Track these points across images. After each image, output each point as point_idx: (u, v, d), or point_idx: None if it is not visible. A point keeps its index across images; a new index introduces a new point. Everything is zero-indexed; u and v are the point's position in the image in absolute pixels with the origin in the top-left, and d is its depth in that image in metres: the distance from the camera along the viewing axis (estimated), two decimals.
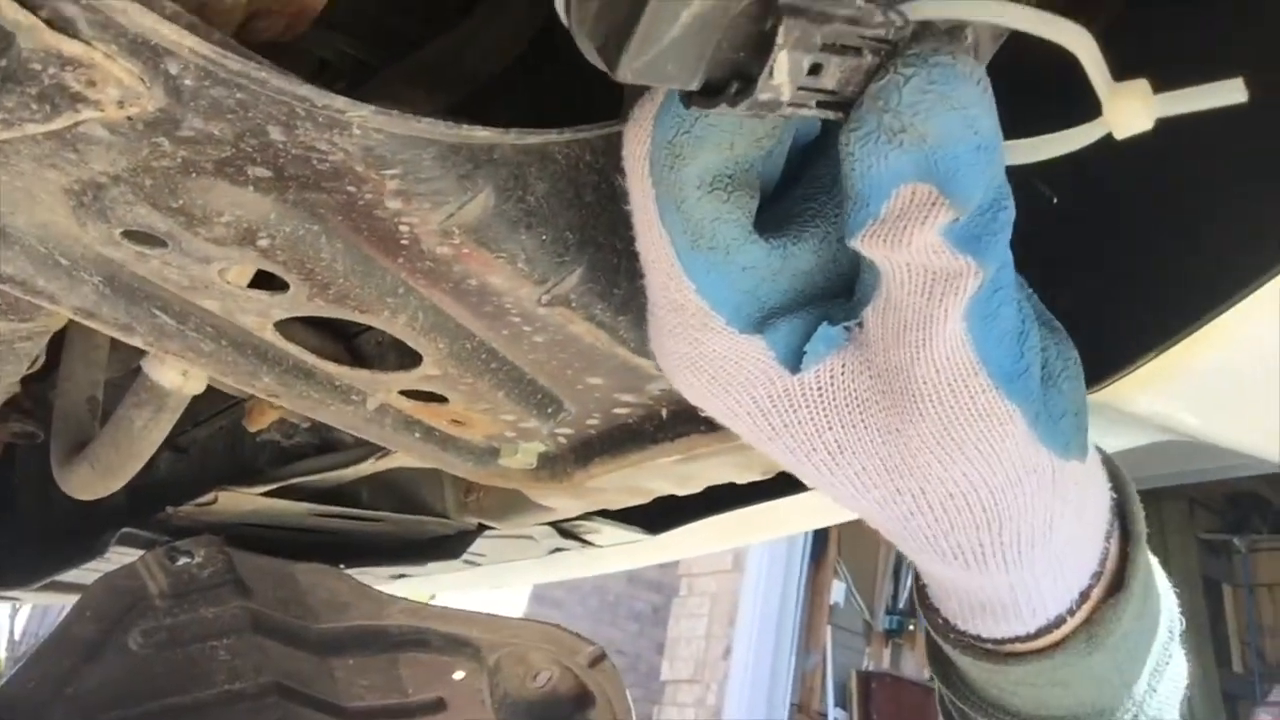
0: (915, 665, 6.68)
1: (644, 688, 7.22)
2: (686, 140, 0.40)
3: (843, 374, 0.44)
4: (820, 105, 0.37)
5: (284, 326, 0.61)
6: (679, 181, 0.41)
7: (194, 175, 0.45)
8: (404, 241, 0.51)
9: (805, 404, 0.44)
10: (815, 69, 0.36)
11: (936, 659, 0.60)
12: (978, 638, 0.53)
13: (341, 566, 1.28)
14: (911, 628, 6.68)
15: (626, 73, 0.34)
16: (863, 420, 0.44)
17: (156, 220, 0.47)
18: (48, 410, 1.05)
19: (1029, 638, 0.51)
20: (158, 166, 0.45)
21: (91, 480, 0.88)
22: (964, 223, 0.38)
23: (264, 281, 0.56)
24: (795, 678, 6.39)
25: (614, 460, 0.77)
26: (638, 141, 0.41)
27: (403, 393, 0.69)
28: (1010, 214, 0.40)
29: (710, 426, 0.69)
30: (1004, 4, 0.37)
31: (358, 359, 0.71)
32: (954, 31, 0.40)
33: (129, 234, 0.49)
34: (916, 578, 0.57)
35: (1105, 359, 0.62)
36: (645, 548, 1.30)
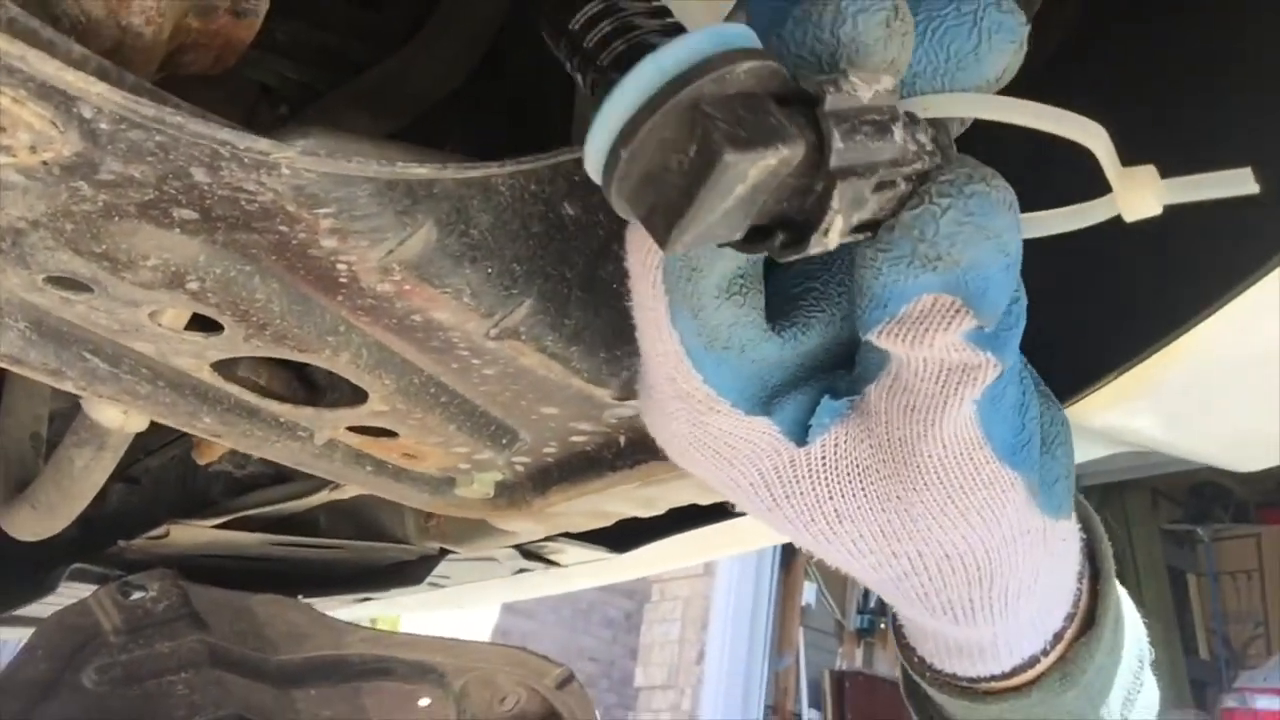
0: (888, 664, 6.71)
1: (618, 694, 7.20)
2: (704, 253, 0.40)
3: (845, 443, 0.44)
4: (854, 230, 0.37)
5: (228, 360, 0.59)
6: (696, 293, 0.41)
7: (117, 219, 0.43)
8: (342, 280, 0.49)
9: (809, 475, 0.45)
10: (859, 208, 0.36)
11: (913, 694, 0.61)
12: (954, 676, 0.54)
13: (300, 596, 1.25)
14: (883, 626, 6.70)
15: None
16: (863, 489, 0.44)
17: (79, 265, 0.45)
18: None
19: (1004, 676, 0.52)
20: (78, 211, 0.43)
21: (33, 521, 0.86)
22: (995, 327, 0.39)
23: (201, 322, 0.54)
24: (769, 679, 6.40)
25: (573, 487, 0.75)
26: (648, 250, 0.41)
27: (351, 428, 0.67)
28: (1024, 304, 0.41)
29: None
30: (1015, 101, 0.38)
31: (310, 388, 0.69)
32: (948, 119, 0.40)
33: (52, 279, 0.47)
34: (894, 617, 0.57)
35: (1071, 375, 0.62)
36: (611, 566, 1.29)
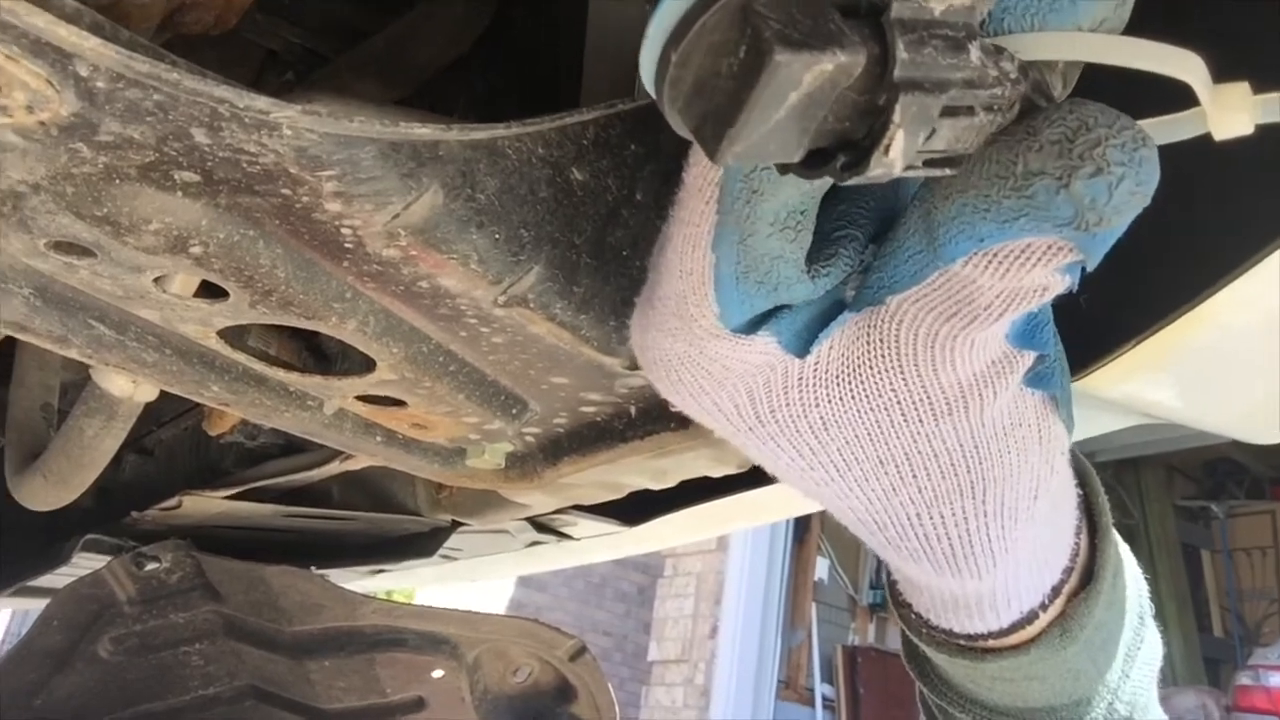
0: (900, 639, 6.72)
1: (632, 668, 7.24)
2: (767, 176, 0.38)
3: (839, 345, 0.42)
4: (928, 164, 0.35)
5: (237, 328, 0.59)
6: (753, 217, 0.39)
7: (118, 182, 0.43)
8: (348, 245, 0.48)
9: (798, 384, 0.43)
10: (930, 134, 0.33)
11: (913, 657, 0.60)
12: (950, 633, 0.53)
13: (313, 567, 1.25)
14: None
15: (727, 158, 0.32)
16: (853, 389, 0.43)
17: (81, 230, 0.45)
18: (4, 415, 1.03)
19: (1002, 633, 0.51)
20: (78, 173, 0.42)
21: (45, 491, 0.86)
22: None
23: (208, 288, 0.53)
24: (782, 655, 6.42)
25: (584, 458, 0.74)
26: (711, 165, 0.39)
27: (359, 397, 0.66)
28: None
29: (680, 424, 0.67)
30: (1105, 39, 0.36)
31: (319, 357, 0.69)
32: (1049, 65, 0.38)
33: (54, 244, 0.46)
34: (888, 574, 0.56)
35: (1088, 346, 0.61)
36: (624, 539, 1.28)
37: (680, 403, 0.46)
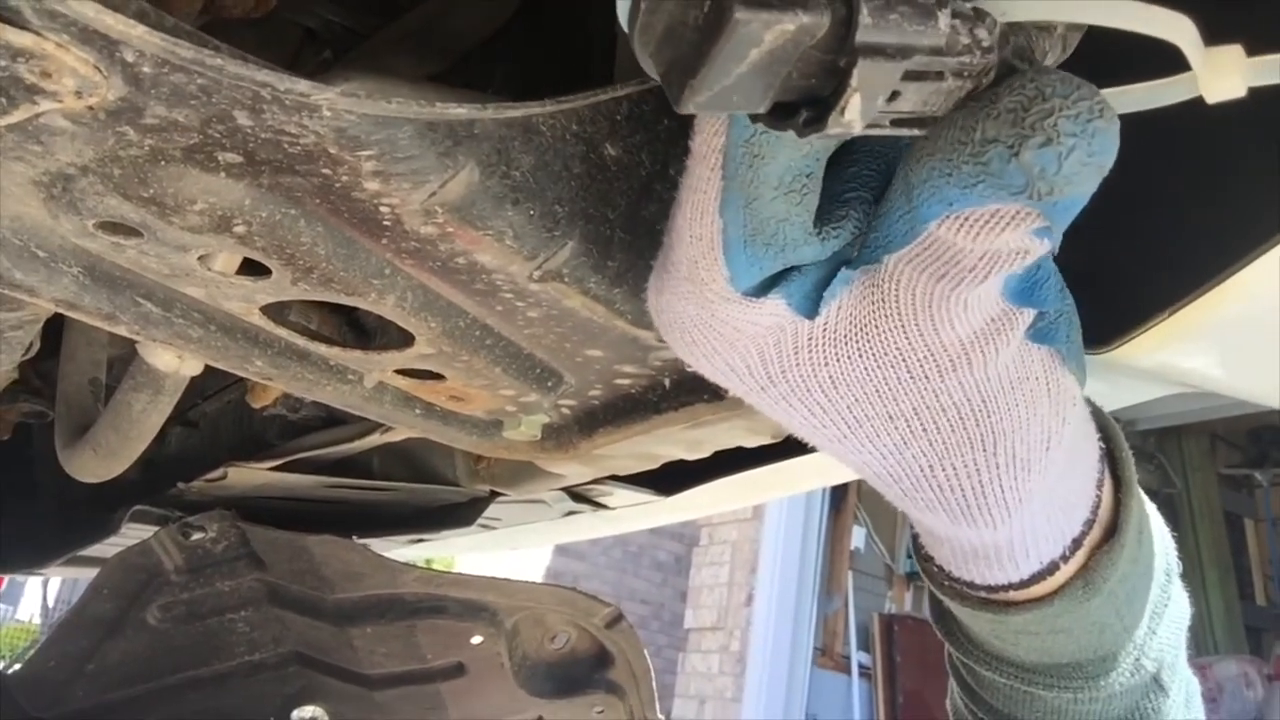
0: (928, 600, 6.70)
1: (668, 635, 7.29)
2: (767, 140, 0.39)
3: (847, 305, 0.43)
4: (895, 124, 0.35)
5: (279, 304, 0.60)
6: (756, 181, 0.40)
7: (163, 163, 0.44)
8: (386, 222, 0.49)
9: (808, 344, 0.44)
10: (893, 96, 0.34)
11: (940, 617, 0.60)
12: (971, 584, 0.53)
13: (355, 537, 1.28)
14: None
15: (689, 106, 0.32)
16: (861, 347, 0.44)
17: (128, 210, 0.46)
18: (56, 389, 1.05)
19: (1023, 584, 0.51)
20: (125, 156, 0.43)
21: (94, 464, 0.88)
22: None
23: (251, 265, 0.54)
24: (818, 622, 6.44)
25: (619, 430, 0.75)
26: (714, 131, 0.40)
27: (398, 371, 0.67)
28: None
29: (715, 395, 0.68)
30: (1094, 2, 0.36)
31: (359, 332, 0.70)
32: (1044, 29, 0.38)
33: (102, 224, 0.48)
34: (912, 529, 0.56)
35: (1122, 316, 0.61)
36: (659, 508, 1.29)
37: (695, 364, 0.47)
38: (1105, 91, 0.38)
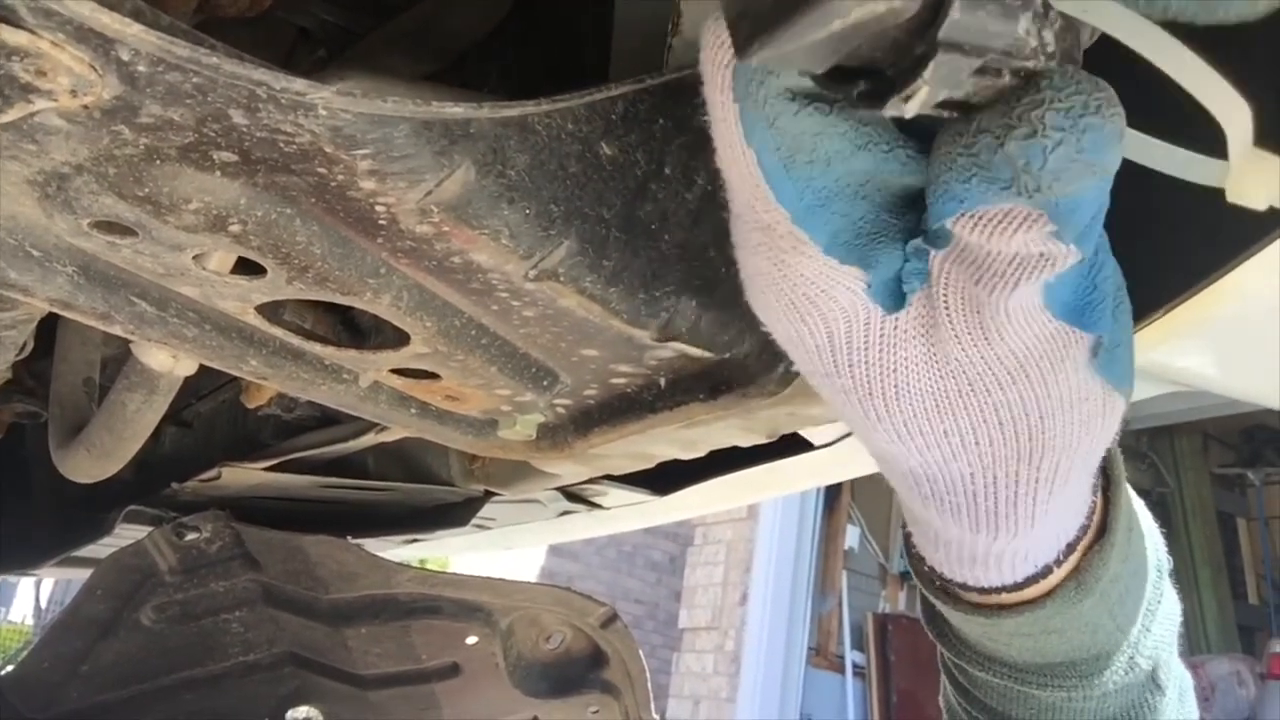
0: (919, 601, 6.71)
1: (663, 635, 7.29)
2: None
3: (916, 310, 0.42)
4: (939, 105, 0.35)
5: (274, 304, 0.60)
6: (770, 97, 0.37)
7: (158, 162, 0.44)
8: (382, 222, 0.49)
9: (879, 342, 0.42)
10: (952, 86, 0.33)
11: (932, 619, 0.60)
12: (964, 586, 0.52)
13: (349, 537, 1.27)
14: None
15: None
16: (927, 355, 0.42)
17: (123, 209, 0.46)
18: (49, 389, 1.05)
19: (1015, 587, 0.51)
20: (120, 155, 0.43)
21: (88, 464, 0.88)
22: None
23: (246, 265, 0.54)
24: (812, 622, 6.44)
25: (614, 429, 0.75)
26: (717, 46, 0.37)
27: (394, 371, 0.67)
28: (1107, 200, 0.38)
29: (709, 395, 0.68)
30: (1165, 39, 0.34)
31: (354, 332, 0.70)
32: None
33: (97, 224, 0.47)
34: (904, 528, 0.56)
35: None
36: (654, 508, 1.30)
37: (770, 326, 0.45)
38: (1138, 137, 0.37)
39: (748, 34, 0.32)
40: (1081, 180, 0.34)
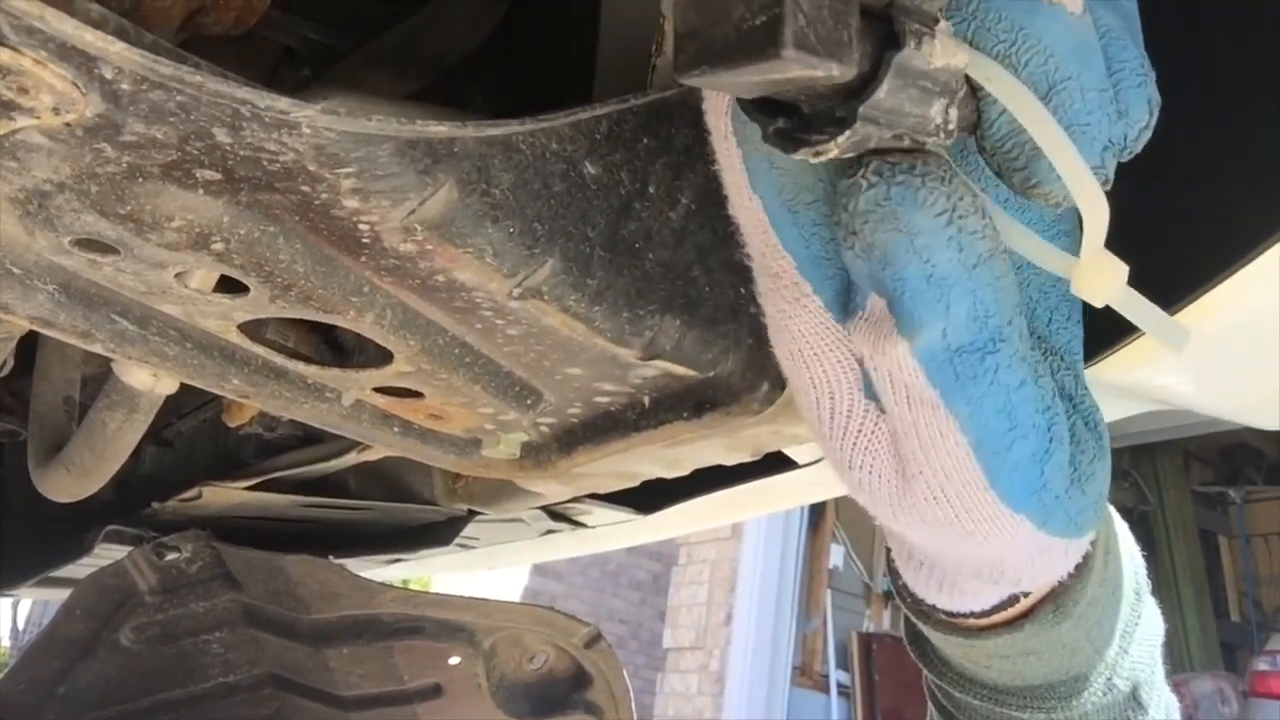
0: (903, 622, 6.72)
1: (647, 655, 7.27)
2: None
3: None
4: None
5: (256, 322, 0.60)
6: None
7: (141, 180, 0.43)
8: (365, 240, 0.49)
9: (858, 434, 0.42)
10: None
11: (915, 640, 0.61)
12: (933, 608, 0.53)
13: (331, 557, 1.27)
14: None
15: (686, 78, 0.33)
16: (894, 473, 0.42)
17: (105, 227, 0.45)
18: (28, 407, 1.04)
19: (991, 611, 0.51)
20: (102, 173, 0.43)
21: (68, 483, 0.87)
22: (939, 355, 0.37)
23: (228, 283, 0.54)
24: (796, 641, 6.44)
25: (598, 448, 0.75)
26: (718, 98, 0.39)
27: (377, 389, 0.67)
28: (1004, 358, 0.38)
29: (693, 413, 0.68)
30: (1058, 137, 0.36)
31: (337, 351, 0.70)
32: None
33: (79, 241, 0.47)
34: (888, 552, 0.56)
35: (1099, 332, 0.62)
36: (638, 527, 1.29)
37: (783, 369, 0.45)
38: (1012, 229, 0.39)
39: (691, 56, 0.33)
40: (887, 233, 0.35)
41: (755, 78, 0.32)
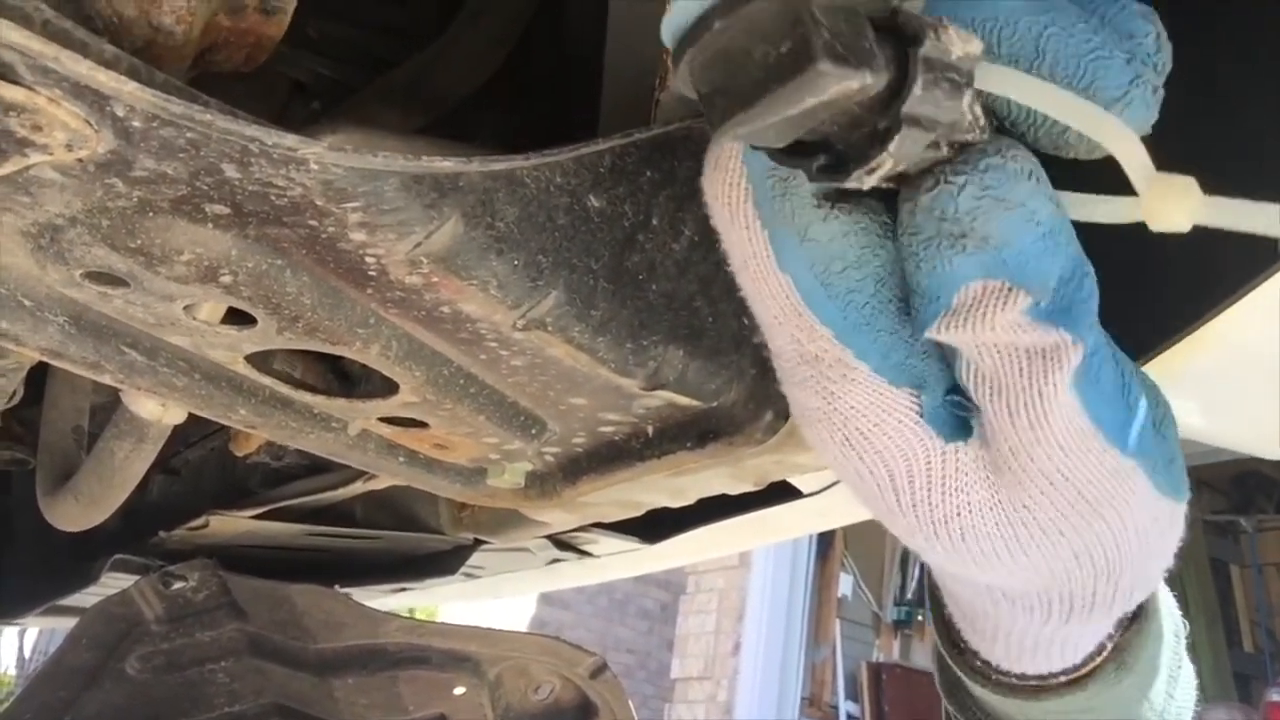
0: (925, 655, 6.67)
1: (655, 685, 7.22)
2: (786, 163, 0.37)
3: (975, 447, 0.40)
4: (884, 180, 0.36)
5: (263, 353, 0.60)
6: (798, 207, 0.38)
7: (151, 214, 0.44)
8: (372, 273, 0.49)
9: (942, 483, 0.40)
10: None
11: (953, 694, 0.58)
12: (1022, 676, 0.51)
13: (337, 586, 1.27)
14: (920, 618, 6.67)
15: (727, 135, 0.33)
16: (992, 501, 0.40)
17: (116, 261, 0.46)
18: (38, 436, 1.05)
19: (1069, 670, 0.50)
20: (113, 207, 0.44)
21: (76, 512, 0.88)
22: (1057, 301, 0.37)
23: (236, 315, 0.55)
24: (805, 671, 6.40)
25: (602, 477, 0.76)
26: (729, 183, 0.38)
27: (382, 419, 0.67)
28: (1093, 280, 0.38)
29: (697, 443, 0.68)
30: (1062, 94, 0.36)
31: (343, 380, 0.70)
32: None
33: (89, 274, 0.48)
34: (945, 622, 0.54)
35: None
36: (643, 556, 1.29)
37: (829, 465, 0.43)
38: (1066, 195, 0.38)
39: (724, 111, 0.33)
40: (999, 217, 0.35)
41: (793, 110, 0.31)
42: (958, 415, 0.40)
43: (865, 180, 0.34)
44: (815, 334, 0.39)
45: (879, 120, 0.33)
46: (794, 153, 0.35)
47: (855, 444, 0.40)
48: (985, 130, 0.36)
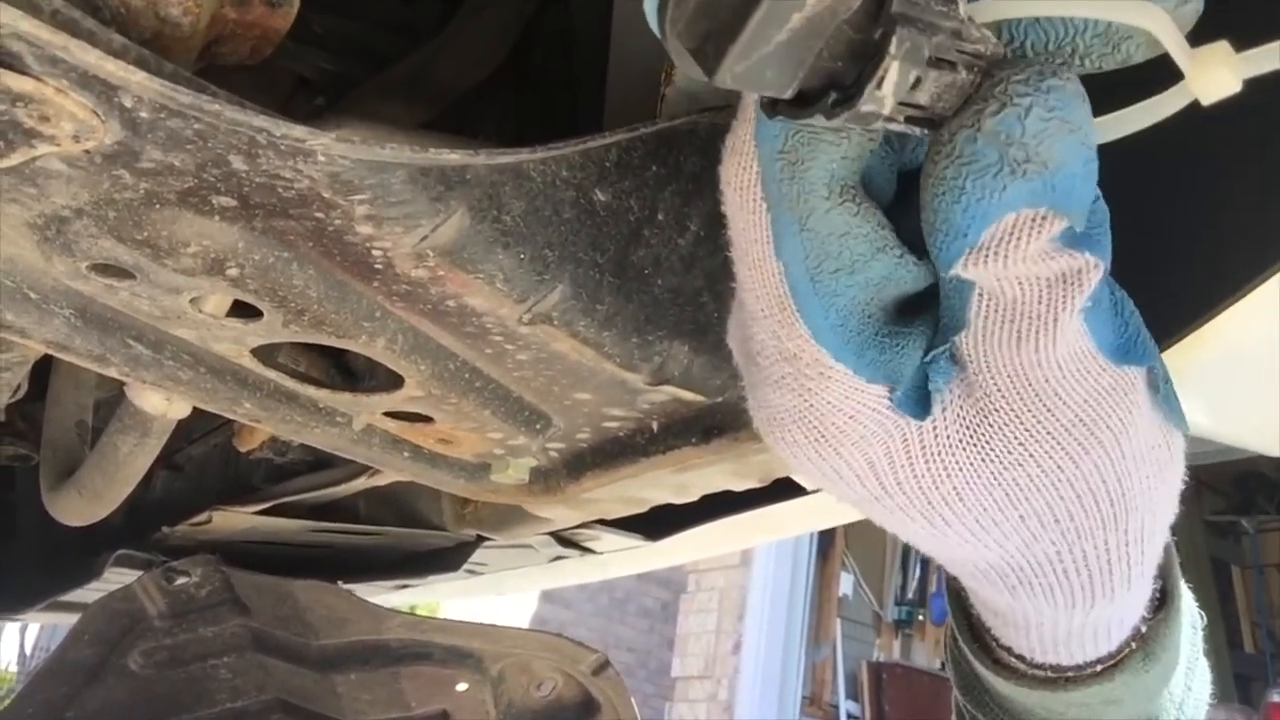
0: (925, 655, 6.68)
1: (655, 684, 7.22)
2: (802, 141, 0.37)
3: (954, 406, 0.40)
4: (909, 120, 0.35)
5: (268, 347, 0.60)
6: (804, 192, 0.37)
7: (158, 206, 0.44)
8: (378, 266, 0.49)
9: (923, 454, 0.40)
10: (916, 83, 0.34)
11: (968, 688, 0.58)
12: (1056, 668, 0.50)
13: (340, 582, 1.27)
14: (920, 618, 6.67)
15: (726, 77, 0.32)
16: (980, 453, 0.40)
17: (122, 253, 0.46)
18: (41, 432, 1.05)
19: (1103, 659, 0.49)
20: (120, 199, 0.44)
21: (80, 506, 0.87)
22: (1091, 224, 0.37)
23: (242, 308, 0.55)
24: (806, 671, 6.39)
25: (606, 473, 0.76)
26: (741, 166, 0.38)
27: (387, 414, 0.67)
28: (1104, 205, 0.38)
29: (701, 439, 0.68)
30: None
31: (348, 375, 0.70)
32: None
33: (96, 267, 0.48)
34: (967, 618, 0.54)
35: None
36: (646, 553, 1.29)
37: (799, 467, 0.43)
38: (1101, 119, 0.38)
39: (715, 53, 0.32)
40: (1063, 139, 0.35)
41: (780, 31, 0.31)
42: (922, 392, 0.40)
43: (880, 96, 0.33)
44: (794, 331, 0.39)
45: (873, 31, 0.33)
46: (805, 102, 0.35)
47: (831, 439, 0.40)
48: (996, 43, 0.35)
